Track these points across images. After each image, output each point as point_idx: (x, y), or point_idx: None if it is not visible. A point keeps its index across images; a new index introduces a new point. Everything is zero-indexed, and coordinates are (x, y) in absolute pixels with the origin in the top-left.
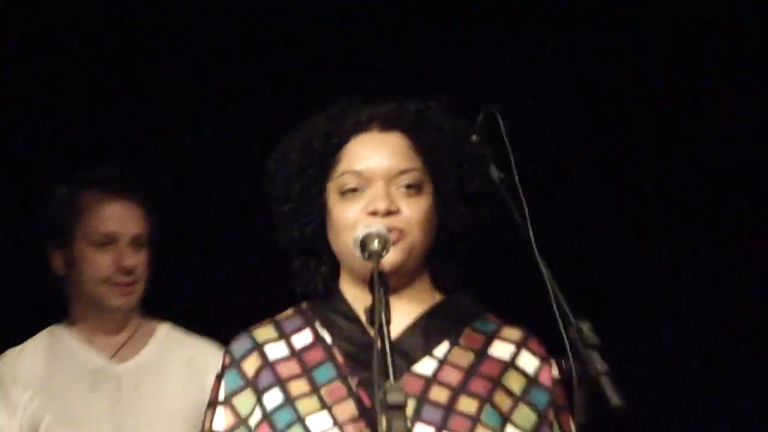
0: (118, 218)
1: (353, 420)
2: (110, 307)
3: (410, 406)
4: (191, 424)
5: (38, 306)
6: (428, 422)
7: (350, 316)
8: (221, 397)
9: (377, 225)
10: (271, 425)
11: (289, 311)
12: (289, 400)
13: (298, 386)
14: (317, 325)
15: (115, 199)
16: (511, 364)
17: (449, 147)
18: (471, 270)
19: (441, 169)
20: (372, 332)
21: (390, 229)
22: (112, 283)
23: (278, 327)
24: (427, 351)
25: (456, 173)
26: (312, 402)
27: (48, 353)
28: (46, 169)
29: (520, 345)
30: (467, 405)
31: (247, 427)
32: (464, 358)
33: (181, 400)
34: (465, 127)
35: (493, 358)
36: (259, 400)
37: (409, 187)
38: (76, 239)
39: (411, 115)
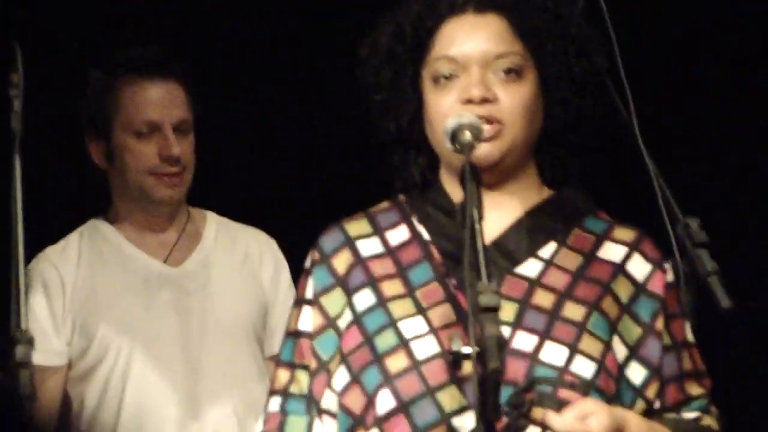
0: (160, 103)
1: (449, 325)
2: (158, 201)
3: (511, 311)
4: (254, 323)
5: (79, 202)
6: (530, 329)
7: (450, 210)
8: (309, 295)
9: (470, 114)
10: (362, 328)
11: (385, 204)
12: (382, 302)
13: (392, 287)
14: (414, 220)
15: (156, 82)
16: (620, 268)
17: (552, 29)
18: (580, 163)
19: (544, 52)
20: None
21: (487, 120)
22: (159, 174)
23: (372, 221)
24: (533, 251)
25: (561, 57)
26: (406, 304)
27: (94, 253)
28: (83, 50)
29: (632, 247)
30: (574, 311)
31: (336, 328)
32: (572, 259)
33: (240, 300)
34: (569, 7)
35: (602, 261)
36: (350, 301)
37: (508, 72)
38: (116, 129)
39: None
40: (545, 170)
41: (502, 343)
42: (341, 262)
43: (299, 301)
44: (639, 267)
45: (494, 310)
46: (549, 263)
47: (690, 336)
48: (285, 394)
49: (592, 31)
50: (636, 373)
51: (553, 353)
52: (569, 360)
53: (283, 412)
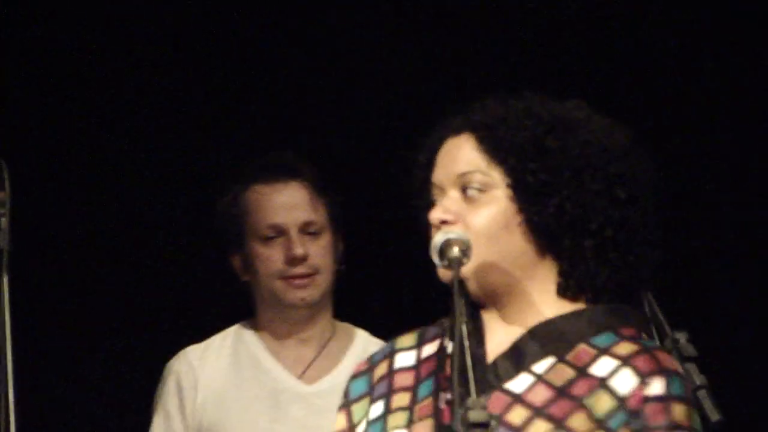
0: (284, 206)
1: None
2: (290, 305)
3: None
4: None
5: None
6: None
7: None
8: (344, 401)
9: (457, 231)
10: None
11: (413, 336)
12: (387, 413)
13: (401, 399)
14: (443, 336)
15: (279, 187)
16: (602, 383)
17: (524, 144)
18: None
19: (515, 167)
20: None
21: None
22: (287, 278)
23: (420, 335)
24: (528, 366)
25: (538, 170)
26: (401, 417)
27: (233, 358)
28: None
29: (624, 360)
30: (538, 428)
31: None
32: (562, 375)
33: None
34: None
35: (590, 376)
36: (368, 409)
37: (480, 189)
38: (248, 238)
39: (482, 120)
40: (568, 283)
41: None
42: (379, 372)
43: (340, 406)
44: (625, 381)
45: (485, 426)
46: (539, 378)
47: None
48: None
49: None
50: None
51: None
52: None
53: None
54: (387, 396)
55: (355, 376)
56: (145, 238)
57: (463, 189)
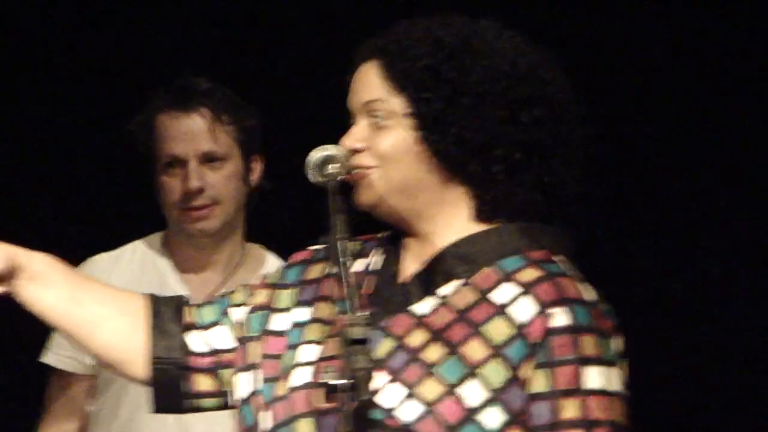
0: (182, 137)
1: (332, 358)
2: (189, 234)
3: (387, 347)
4: None
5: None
6: (389, 368)
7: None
8: (271, 280)
9: (337, 149)
10: (286, 339)
11: (358, 243)
12: (307, 322)
13: (323, 309)
14: (376, 252)
15: (180, 116)
16: (501, 310)
17: (427, 73)
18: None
19: (419, 96)
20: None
21: (357, 167)
22: (184, 209)
23: (377, 242)
24: (433, 289)
25: (440, 99)
26: (318, 330)
27: (141, 272)
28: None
29: (527, 287)
30: (433, 352)
31: (270, 314)
32: (465, 298)
33: None
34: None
35: (489, 302)
36: (291, 307)
37: (375, 115)
38: (155, 165)
39: (384, 43)
40: (482, 207)
41: (368, 378)
42: (312, 273)
43: (265, 282)
44: (524, 309)
45: (362, 342)
46: (443, 301)
47: (591, 384)
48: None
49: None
50: (492, 418)
51: (392, 395)
52: (401, 403)
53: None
54: (312, 302)
55: (291, 264)
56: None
57: (370, 115)
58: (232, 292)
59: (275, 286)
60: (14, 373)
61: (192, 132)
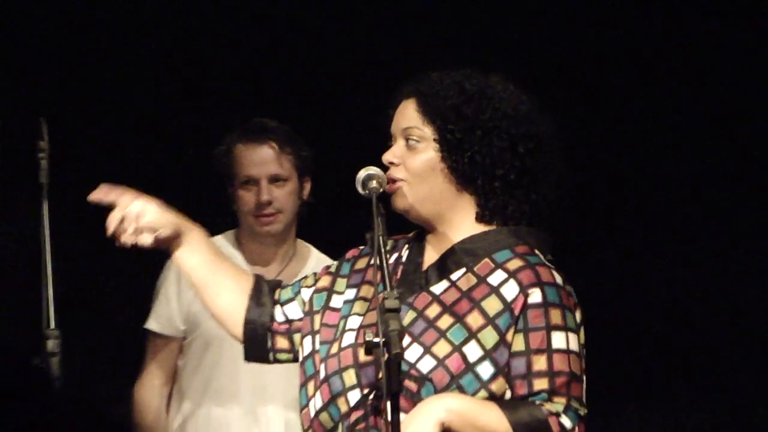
0: (256, 163)
1: (371, 325)
2: (259, 234)
3: (410, 317)
4: None
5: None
6: (410, 333)
7: (422, 245)
8: (333, 271)
9: (376, 169)
10: (339, 313)
11: (392, 240)
12: (355, 299)
13: (367, 290)
14: (405, 247)
15: (255, 147)
16: (494, 290)
17: (453, 110)
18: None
19: (444, 127)
20: (425, 258)
21: (391, 179)
22: (256, 216)
23: (406, 241)
24: (446, 275)
25: (459, 130)
26: (361, 306)
27: None
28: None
29: (511, 274)
30: (444, 321)
31: (330, 295)
32: (469, 282)
33: None
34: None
35: (487, 283)
36: (344, 290)
37: (411, 141)
38: (234, 182)
39: (419, 85)
40: (484, 213)
41: (402, 335)
42: (359, 265)
43: (328, 271)
44: (511, 290)
45: (396, 311)
46: (453, 284)
47: (556, 345)
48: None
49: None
50: (485, 370)
51: (413, 353)
52: (419, 359)
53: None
54: (359, 286)
55: (346, 260)
56: (160, 174)
57: (406, 139)
58: (306, 277)
59: (335, 274)
60: (116, 337)
61: (263, 159)
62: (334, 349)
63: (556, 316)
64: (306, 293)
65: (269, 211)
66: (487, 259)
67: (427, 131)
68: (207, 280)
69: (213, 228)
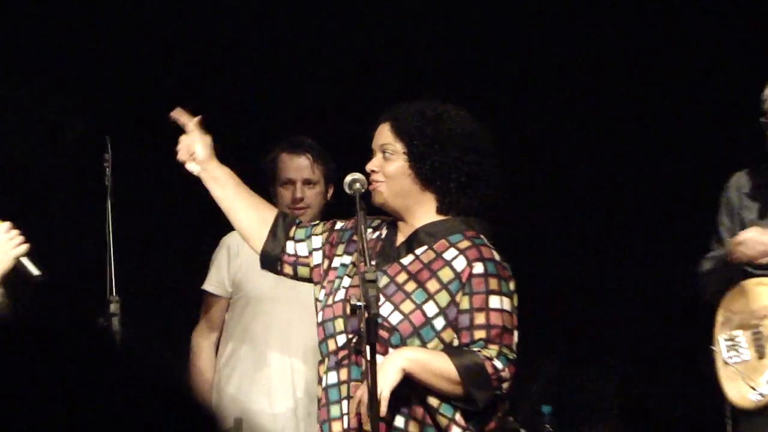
0: (294, 169)
1: (355, 287)
2: None
3: (384, 282)
4: None
5: None
6: (385, 294)
7: (392, 227)
8: (335, 231)
9: (359, 175)
10: (337, 272)
11: (378, 219)
12: (347, 264)
13: (356, 258)
14: (384, 228)
15: (294, 157)
16: (448, 263)
17: (419, 129)
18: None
19: (411, 142)
20: (397, 239)
21: (375, 181)
22: (292, 208)
23: (380, 221)
24: (412, 250)
25: (424, 144)
26: (351, 270)
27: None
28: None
29: (461, 251)
30: (410, 286)
31: (332, 257)
32: (428, 256)
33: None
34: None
35: (442, 258)
36: (342, 256)
37: (383, 153)
38: (276, 182)
39: (394, 111)
40: (442, 206)
41: (377, 300)
42: (354, 236)
43: (331, 229)
44: (460, 263)
45: (373, 281)
46: (417, 257)
47: (494, 305)
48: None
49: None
50: (439, 323)
51: (385, 309)
52: (390, 314)
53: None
54: (352, 254)
55: (347, 228)
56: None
57: (383, 152)
58: (316, 225)
59: (339, 237)
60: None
61: (300, 166)
62: (330, 300)
63: (493, 283)
64: (316, 241)
65: (301, 206)
66: (443, 240)
67: (399, 146)
68: (232, 206)
69: None
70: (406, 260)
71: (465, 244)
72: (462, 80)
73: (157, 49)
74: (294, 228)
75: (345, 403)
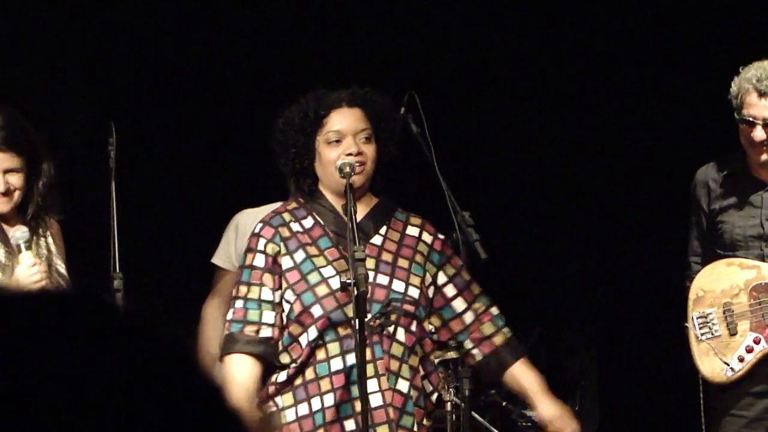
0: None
1: (344, 270)
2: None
3: (372, 263)
4: None
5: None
6: (384, 273)
7: (332, 209)
8: (260, 247)
9: (351, 159)
10: (300, 271)
11: (293, 203)
12: (308, 257)
13: (311, 250)
14: (314, 213)
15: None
16: (419, 239)
17: (386, 116)
18: (396, 184)
19: (381, 128)
20: (345, 219)
21: (360, 163)
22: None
23: (292, 213)
24: (377, 231)
25: (388, 131)
26: (321, 259)
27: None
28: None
29: (421, 227)
30: (402, 262)
31: (279, 264)
32: (395, 235)
33: None
34: (393, 104)
35: (409, 235)
36: (290, 255)
37: (366, 138)
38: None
39: (362, 97)
40: (379, 186)
41: (367, 278)
42: (283, 234)
43: (252, 250)
44: (427, 237)
45: (362, 260)
46: (385, 237)
47: (462, 264)
48: (245, 299)
49: (409, 115)
50: (430, 290)
51: (398, 285)
52: (406, 288)
53: (245, 308)
54: (302, 247)
55: (270, 239)
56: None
57: (363, 138)
58: (251, 299)
59: (272, 257)
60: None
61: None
62: (323, 291)
63: (451, 249)
64: (266, 294)
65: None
66: (394, 219)
67: (371, 131)
68: None
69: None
70: (377, 240)
71: (415, 220)
72: (460, 80)
73: (161, 34)
74: (253, 343)
75: (374, 380)
